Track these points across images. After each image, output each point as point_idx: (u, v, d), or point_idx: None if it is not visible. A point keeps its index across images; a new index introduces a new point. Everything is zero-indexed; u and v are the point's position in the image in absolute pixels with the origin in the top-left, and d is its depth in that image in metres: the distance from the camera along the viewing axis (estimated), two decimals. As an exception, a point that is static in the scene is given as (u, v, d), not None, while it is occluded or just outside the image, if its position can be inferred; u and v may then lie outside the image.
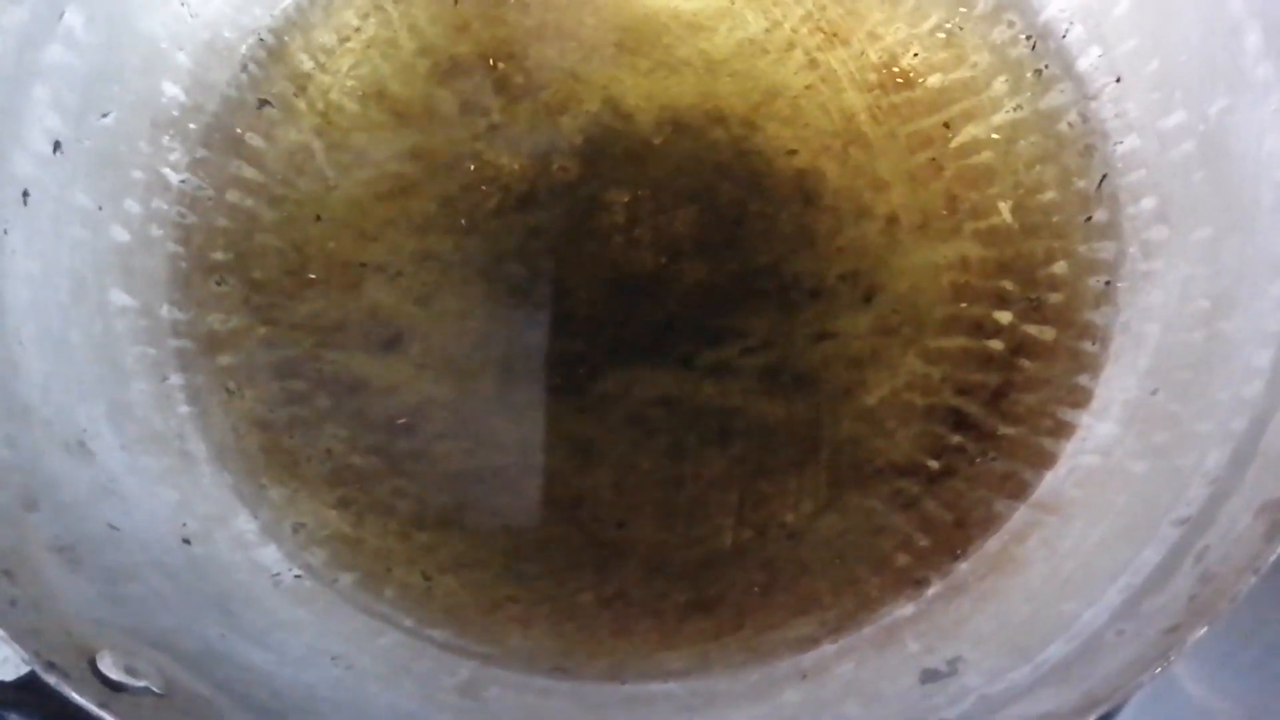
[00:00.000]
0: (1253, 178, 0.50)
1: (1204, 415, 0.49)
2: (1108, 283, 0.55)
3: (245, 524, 0.54)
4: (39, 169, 0.52)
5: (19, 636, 0.41)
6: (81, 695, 0.40)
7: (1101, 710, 0.40)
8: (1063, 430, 0.54)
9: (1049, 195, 0.56)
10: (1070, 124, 0.56)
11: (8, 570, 0.43)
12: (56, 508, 0.47)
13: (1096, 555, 0.49)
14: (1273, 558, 0.41)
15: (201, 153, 0.56)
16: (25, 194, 0.51)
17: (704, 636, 0.53)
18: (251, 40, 0.57)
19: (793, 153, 0.57)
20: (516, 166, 0.57)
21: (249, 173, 0.57)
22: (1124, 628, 0.45)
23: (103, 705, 0.40)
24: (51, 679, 0.40)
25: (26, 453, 0.48)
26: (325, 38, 0.58)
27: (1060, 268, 0.55)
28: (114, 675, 0.42)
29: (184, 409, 0.55)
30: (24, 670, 0.44)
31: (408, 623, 0.53)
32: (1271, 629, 0.57)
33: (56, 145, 0.52)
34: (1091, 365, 0.54)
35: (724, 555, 0.54)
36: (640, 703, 0.52)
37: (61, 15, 0.52)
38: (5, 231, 0.50)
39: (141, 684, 0.42)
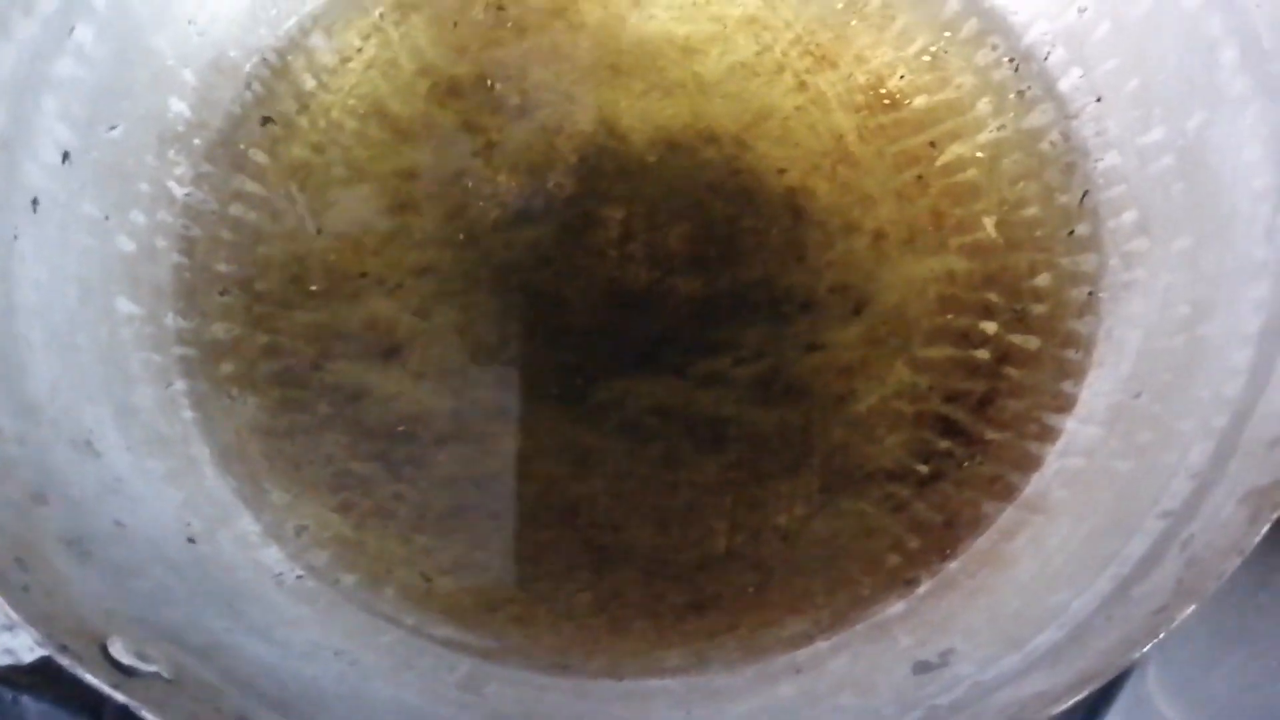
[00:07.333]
0: (1230, 188, 0.52)
1: (1186, 414, 0.50)
2: (1090, 293, 0.56)
3: (248, 525, 0.54)
4: (48, 178, 0.53)
5: (33, 621, 0.42)
6: (94, 677, 0.41)
7: (1094, 686, 0.41)
8: (1048, 434, 0.55)
9: (1032, 211, 0.57)
10: (1052, 142, 0.58)
11: (20, 558, 0.44)
12: (65, 502, 0.48)
13: (1084, 550, 0.50)
14: (1257, 539, 0.43)
15: (206, 167, 0.58)
16: (35, 201, 0.52)
17: (700, 635, 0.54)
18: (256, 59, 0.59)
19: (783, 171, 0.58)
20: (513, 183, 0.58)
21: (252, 187, 0.58)
22: (1113, 613, 0.46)
23: (115, 687, 0.41)
24: (65, 661, 0.41)
25: (35, 449, 0.49)
26: (328, 58, 0.59)
27: (1044, 280, 0.57)
28: (125, 660, 0.42)
29: (188, 414, 0.55)
30: (38, 654, 0.44)
31: (409, 621, 0.54)
32: (1241, 649, 0.58)
33: (65, 156, 0.54)
34: (1075, 372, 0.55)
35: (718, 557, 0.55)
36: (638, 698, 0.53)
37: (72, 30, 0.53)
38: (15, 237, 0.51)
39: (152, 669, 0.43)
